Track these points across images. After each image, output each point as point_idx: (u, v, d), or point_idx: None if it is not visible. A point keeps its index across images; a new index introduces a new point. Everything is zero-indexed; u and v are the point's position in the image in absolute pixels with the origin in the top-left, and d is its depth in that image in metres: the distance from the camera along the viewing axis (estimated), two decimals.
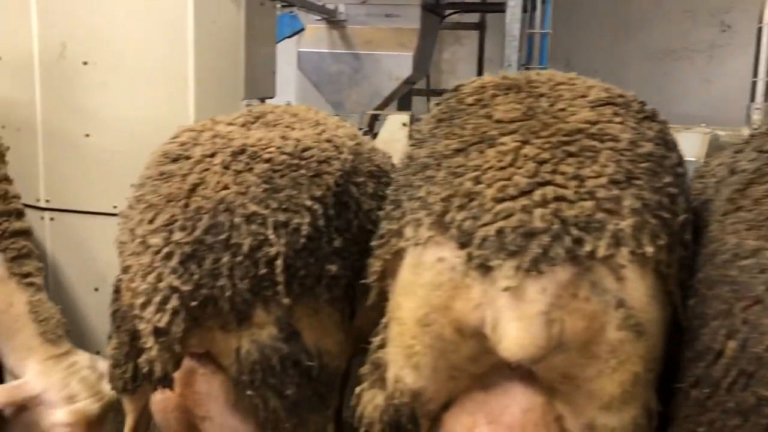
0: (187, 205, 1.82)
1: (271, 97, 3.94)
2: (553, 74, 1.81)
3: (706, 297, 1.54)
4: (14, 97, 3.43)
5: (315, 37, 5.03)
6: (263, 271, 1.81)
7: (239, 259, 1.79)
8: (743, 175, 1.59)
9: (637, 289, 1.49)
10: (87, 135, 3.32)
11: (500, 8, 4.74)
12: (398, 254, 1.73)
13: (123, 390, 2.12)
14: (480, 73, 5.95)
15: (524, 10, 4.49)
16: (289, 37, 5.49)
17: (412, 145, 1.80)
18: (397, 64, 4.78)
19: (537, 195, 1.45)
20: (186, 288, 1.76)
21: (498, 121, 1.61)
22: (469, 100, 1.73)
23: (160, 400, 2.04)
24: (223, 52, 3.38)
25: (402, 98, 6.12)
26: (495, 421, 1.66)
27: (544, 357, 1.44)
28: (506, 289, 1.42)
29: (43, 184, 3.41)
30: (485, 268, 1.47)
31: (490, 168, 1.52)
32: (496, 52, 5.60)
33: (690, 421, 1.57)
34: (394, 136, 2.71)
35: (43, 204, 3.22)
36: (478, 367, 1.64)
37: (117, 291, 2.03)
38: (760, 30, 3.37)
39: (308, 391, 1.97)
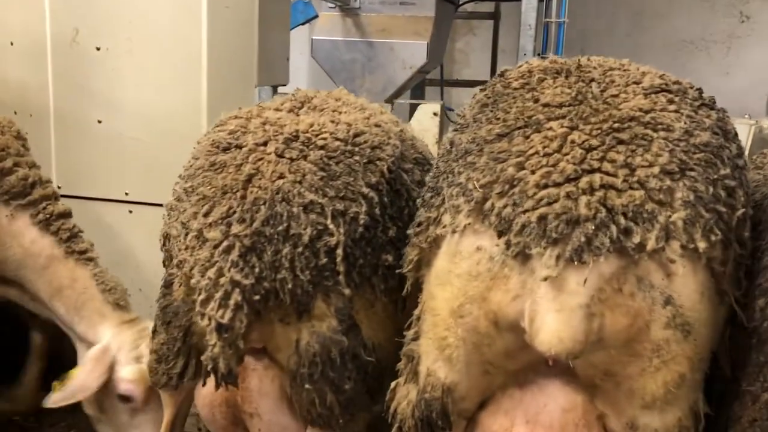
0: (244, 197, 1.91)
1: (284, 85, 4.07)
2: (605, 60, 1.88)
3: None
4: (27, 83, 3.60)
5: (329, 24, 5.18)
6: (323, 261, 1.90)
7: (300, 249, 1.88)
8: None
9: (686, 286, 1.54)
10: (99, 121, 3.48)
11: None
12: (435, 243, 1.80)
13: (166, 385, 2.21)
14: (494, 63, 6.07)
15: (540, 0, 4.59)
16: (302, 24, 5.63)
17: (454, 131, 1.87)
18: (411, 53, 4.91)
19: (583, 182, 1.50)
20: (248, 282, 1.84)
21: (545, 105, 1.68)
22: (515, 84, 1.79)
23: (207, 394, 2.13)
24: (237, 38, 3.51)
25: (415, 88, 6.23)
26: (533, 421, 1.71)
27: (582, 353, 1.49)
28: (546, 278, 1.47)
29: (55, 170, 3.56)
30: (524, 257, 1.53)
31: (534, 154, 1.59)
32: (509, 42, 5.73)
33: (758, 425, 1.59)
34: (424, 126, 2.79)
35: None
36: (514, 363, 1.70)
37: (167, 286, 2.13)
38: None
39: (363, 387, 2.05)
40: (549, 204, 1.50)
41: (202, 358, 1.88)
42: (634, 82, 1.72)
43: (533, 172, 1.56)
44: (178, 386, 2.21)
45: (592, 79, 1.74)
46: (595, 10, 5.99)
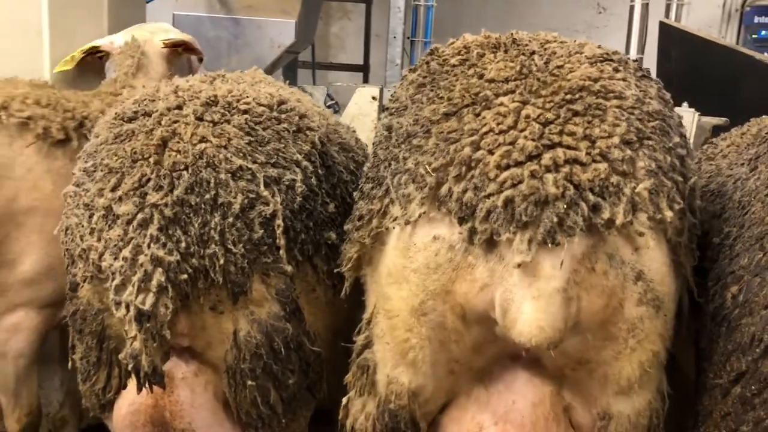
0: (158, 162, 1.62)
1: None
2: (539, 34, 1.75)
3: (753, 285, 1.46)
4: None
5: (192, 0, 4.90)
6: (259, 233, 1.65)
7: (230, 220, 1.62)
8: None
9: (654, 259, 1.43)
10: None
11: None
12: (379, 238, 1.61)
13: (101, 407, 1.87)
14: (367, 47, 5.98)
15: None
16: None
17: (390, 115, 1.68)
18: (279, 31, 4.64)
19: (546, 158, 1.36)
20: (172, 259, 1.56)
21: (491, 81, 1.52)
22: (453, 60, 1.63)
23: (127, 413, 1.80)
24: (83, 9, 3.19)
25: (287, 69, 6.03)
26: (503, 420, 1.56)
27: (562, 340, 1.35)
28: (519, 265, 1.32)
29: None
30: (491, 244, 1.37)
31: (489, 131, 1.42)
32: (383, 27, 5.70)
33: (730, 419, 1.49)
34: (363, 111, 2.59)
35: None
36: (480, 359, 1.54)
37: (73, 289, 1.79)
38: (632, 8, 3.59)
39: (305, 382, 1.82)
40: (514, 185, 1.35)
41: (121, 356, 1.59)
42: (576, 52, 1.60)
43: (491, 152, 1.40)
44: (110, 406, 1.86)
45: (533, 52, 1.60)
46: None
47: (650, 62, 3.23)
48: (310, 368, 1.86)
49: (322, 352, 1.87)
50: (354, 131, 2.29)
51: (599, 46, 1.66)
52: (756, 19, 5.03)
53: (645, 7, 3.60)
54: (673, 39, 2.42)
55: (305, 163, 1.82)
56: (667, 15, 4.15)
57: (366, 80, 6.19)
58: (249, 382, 1.72)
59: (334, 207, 1.92)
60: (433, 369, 1.53)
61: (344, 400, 1.75)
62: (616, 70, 1.55)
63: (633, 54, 3.57)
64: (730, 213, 1.61)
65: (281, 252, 1.70)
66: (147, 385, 1.61)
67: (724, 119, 3.00)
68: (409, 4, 4.56)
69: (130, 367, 1.57)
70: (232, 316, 1.70)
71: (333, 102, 3.52)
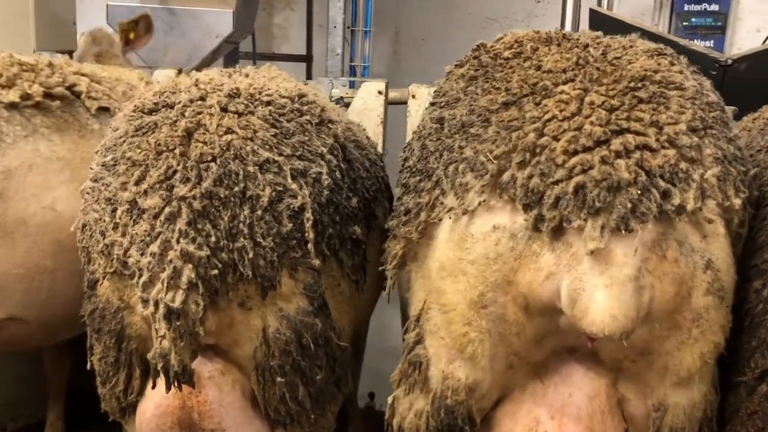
0: (185, 154, 1.52)
1: (72, 51, 3.63)
2: (584, 31, 1.69)
3: None
4: None
5: None
6: (288, 227, 1.55)
7: (259, 213, 1.52)
8: None
9: (721, 248, 1.36)
10: None
11: None
12: (426, 232, 1.53)
13: (122, 411, 1.75)
14: (309, 38, 5.90)
15: None
16: None
17: (440, 108, 1.60)
18: (217, 21, 4.49)
19: (616, 144, 1.29)
20: (201, 254, 1.45)
21: (549, 72, 1.45)
22: (507, 54, 1.56)
23: (153, 417, 1.67)
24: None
25: (228, 60, 5.83)
26: (559, 413, 1.47)
27: (634, 330, 1.27)
28: (592, 252, 1.24)
29: None
30: (558, 231, 1.29)
31: (552, 118, 1.35)
32: (325, 17, 5.62)
33: (758, 417, 1.43)
34: (368, 105, 2.49)
35: None
36: (540, 352, 1.45)
37: (92, 287, 1.67)
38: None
39: (331, 377, 1.72)
40: (584, 171, 1.28)
41: (149, 355, 1.47)
42: (630, 46, 1.54)
43: (556, 138, 1.32)
44: (131, 409, 1.74)
45: (587, 45, 1.54)
46: None
47: None
48: (337, 363, 1.76)
49: (348, 346, 1.77)
50: (364, 129, 2.20)
51: (647, 42, 1.61)
52: (686, 7, 5.02)
53: None
54: (604, 26, 2.37)
55: (329, 156, 1.73)
56: (599, 3, 4.13)
57: (309, 71, 5.98)
58: (278, 379, 1.63)
59: (357, 202, 1.83)
60: (491, 363, 1.44)
61: (390, 399, 1.65)
62: (672, 64, 1.50)
63: None
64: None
65: (310, 246, 1.61)
66: (176, 385, 1.49)
67: None
68: None
69: (159, 366, 1.46)
70: (260, 312, 1.60)
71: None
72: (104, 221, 1.56)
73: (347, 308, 1.86)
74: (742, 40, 4.59)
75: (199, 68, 3.57)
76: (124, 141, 1.62)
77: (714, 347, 1.41)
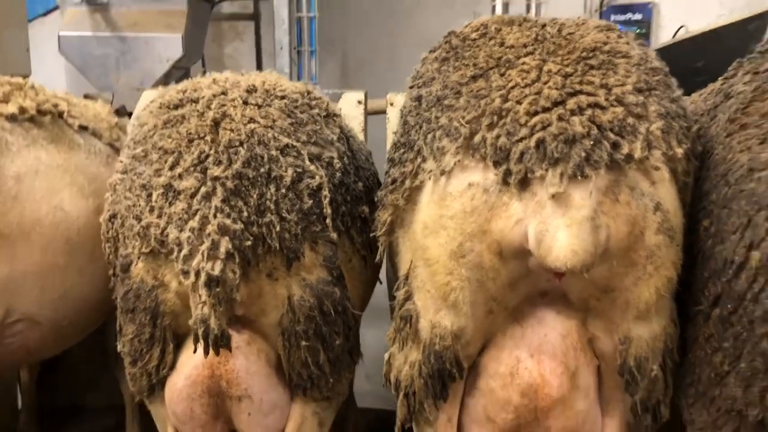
0: (215, 140, 1.68)
1: (27, 75, 3.76)
2: (544, 16, 1.86)
3: (722, 215, 1.57)
4: None
5: (76, 19, 4.79)
6: (308, 203, 1.72)
7: (283, 191, 1.69)
8: (741, 96, 1.66)
9: (668, 192, 1.52)
10: None
11: None
12: (411, 198, 1.69)
13: (150, 389, 1.88)
14: (259, 63, 5.99)
15: None
16: (43, 15, 5.22)
17: (418, 88, 1.76)
18: (166, 46, 4.67)
19: (571, 103, 1.45)
20: (237, 227, 1.61)
21: (511, 47, 1.62)
22: (474, 35, 1.73)
23: (184, 387, 1.82)
24: None
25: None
26: (537, 352, 1.62)
27: (593, 265, 1.42)
28: (553, 196, 1.40)
29: None
30: (524, 182, 1.45)
31: (515, 86, 1.52)
32: (272, 43, 5.80)
33: (713, 339, 1.59)
34: (350, 114, 2.66)
35: None
36: (515, 296, 1.60)
37: (125, 270, 1.82)
38: (493, 8, 3.66)
39: (346, 344, 1.87)
40: (544, 128, 1.44)
41: (191, 322, 1.61)
42: (582, 24, 1.71)
43: (519, 102, 1.49)
44: (164, 387, 1.88)
45: (544, 24, 1.71)
46: (353, 8, 5.98)
47: None
48: (351, 332, 1.92)
49: (361, 315, 1.92)
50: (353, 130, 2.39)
51: (599, 20, 1.78)
52: (613, 18, 5.19)
53: (505, 6, 3.64)
54: None
55: (338, 143, 1.91)
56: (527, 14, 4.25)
57: None
58: (303, 343, 1.78)
59: (362, 185, 2.00)
60: (473, 309, 1.59)
61: (386, 356, 1.80)
62: (620, 37, 1.67)
63: None
64: (701, 159, 1.71)
65: (328, 221, 1.78)
66: (214, 349, 1.62)
67: None
68: (293, 16, 4.59)
69: (200, 331, 1.60)
70: (285, 282, 1.75)
71: None
72: (139, 206, 1.72)
73: (357, 283, 2.03)
74: None
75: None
76: (153, 134, 1.78)
77: (667, 281, 1.56)
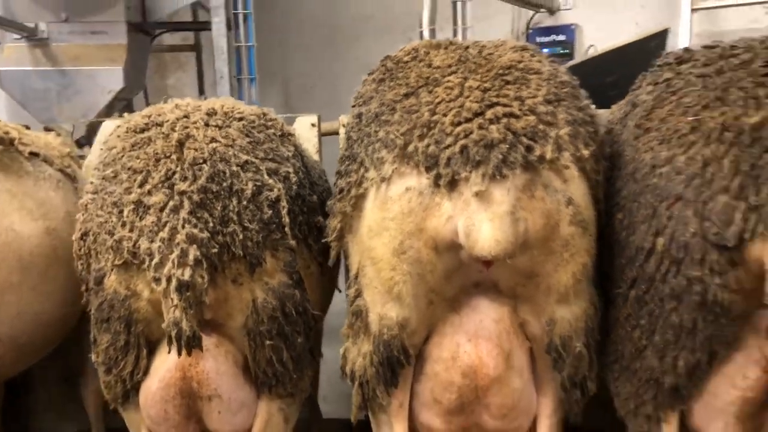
0: (180, 159, 1.85)
1: None
2: (467, 39, 2.08)
3: (632, 208, 1.80)
4: None
5: (16, 55, 4.93)
6: (268, 213, 1.89)
7: (244, 203, 1.85)
8: (645, 105, 1.89)
9: (578, 188, 1.74)
10: None
11: (208, 26, 4.93)
12: (357, 205, 1.87)
13: (125, 395, 2.00)
14: (201, 92, 6.09)
15: (229, 27, 4.76)
16: None
17: (359, 106, 1.96)
18: (108, 78, 4.83)
19: (489, 114, 1.66)
20: (204, 236, 1.77)
21: (437, 67, 1.83)
22: (406, 58, 1.93)
23: (158, 390, 1.95)
24: None
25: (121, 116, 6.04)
26: (475, 336, 1.81)
27: (515, 253, 1.62)
28: (477, 193, 1.60)
29: None
30: (452, 184, 1.65)
31: (441, 101, 1.72)
32: (214, 74, 5.78)
33: (632, 318, 1.80)
34: (304, 135, 2.84)
35: None
36: (451, 287, 1.79)
37: (98, 283, 1.95)
38: (421, 33, 3.83)
39: (307, 344, 2.02)
40: (466, 136, 1.64)
41: (164, 325, 1.76)
42: (501, 45, 1.92)
43: (445, 115, 1.69)
44: (138, 392, 2.00)
45: (467, 47, 1.92)
46: (294, 37, 6.22)
47: None
48: (311, 332, 2.08)
49: (321, 315, 2.08)
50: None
51: (515, 42, 2.01)
52: (538, 39, 5.51)
53: (432, 32, 3.81)
54: None
55: (293, 160, 2.10)
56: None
57: None
58: (267, 342, 1.93)
59: (316, 198, 2.19)
60: (415, 301, 1.77)
61: (341, 350, 1.97)
62: (533, 56, 1.89)
63: None
64: (612, 160, 1.93)
65: (287, 229, 1.95)
66: (187, 350, 1.77)
67: None
68: (232, 45, 4.73)
69: (173, 333, 1.75)
70: (249, 287, 1.92)
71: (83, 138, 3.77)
72: (111, 222, 1.87)
73: (316, 287, 2.19)
74: None
75: (92, 124, 3.87)
76: (122, 155, 1.94)
77: (583, 267, 1.77)
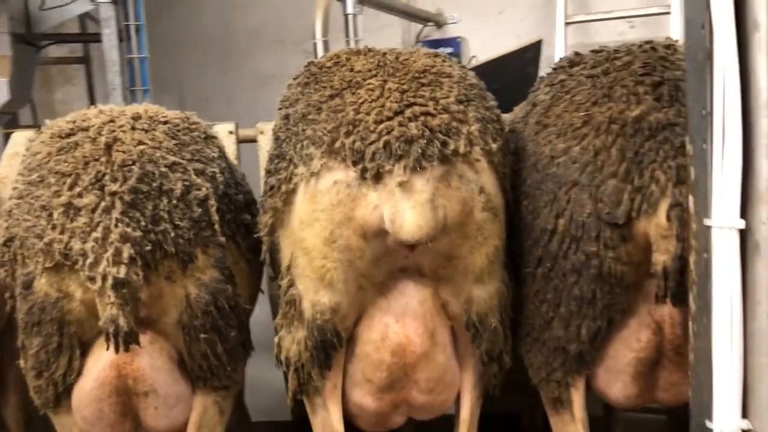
0: (109, 161, 1.89)
1: None
2: (380, 50, 2.24)
3: (536, 195, 2.00)
4: None
5: None
6: (198, 212, 1.96)
7: (174, 202, 1.91)
8: (543, 104, 2.10)
9: (489, 179, 1.92)
10: None
11: (98, 38, 4.83)
12: (287, 200, 1.97)
13: (56, 399, 2.01)
14: (92, 103, 5.92)
15: (121, 39, 4.69)
16: None
17: (285, 108, 2.07)
18: None
19: (408, 113, 1.82)
20: (137, 234, 1.81)
21: (359, 71, 1.97)
22: (328, 63, 2.06)
23: (92, 389, 1.97)
24: None
25: (7, 129, 5.45)
26: (402, 317, 1.94)
27: (435, 236, 1.77)
28: (400, 184, 1.75)
29: None
30: (377, 176, 1.79)
31: (364, 102, 1.86)
32: (104, 87, 5.55)
33: (540, 293, 2.00)
34: (223, 143, 2.89)
35: None
36: (379, 272, 1.92)
37: (27, 287, 1.95)
38: (314, 45, 3.92)
39: (239, 337, 2.10)
40: (388, 133, 1.79)
41: (101, 323, 1.80)
42: (415, 52, 2.09)
43: (368, 114, 1.83)
44: (70, 394, 2.02)
45: (384, 53, 2.08)
46: (189, 49, 6.19)
47: None
48: (243, 325, 2.16)
49: (252, 309, 2.17)
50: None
51: (428, 50, 2.19)
52: None
53: (325, 44, 3.91)
54: None
55: (218, 161, 2.18)
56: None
57: None
58: (202, 336, 2.00)
59: (242, 198, 2.27)
60: (346, 286, 1.89)
61: (276, 339, 2.06)
62: (444, 61, 2.07)
63: None
64: (519, 155, 2.14)
65: (216, 226, 2.03)
66: (124, 346, 1.81)
67: None
68: (124, 57, 4.67)
69: (110, 330, 1.79)
70: (182, 283, 1.98)
71: None
72: (40, 226, 1.89)
73: (245, 283, 2.27)
74: None
75: None
76: (48, 160, 1.96)
77: (495, 249, 1.95)
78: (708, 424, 1.46)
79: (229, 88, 6.02)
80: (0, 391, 2.98)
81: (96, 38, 4.90)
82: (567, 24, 4.53)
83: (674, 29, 4.16)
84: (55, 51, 5.90)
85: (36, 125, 5.45)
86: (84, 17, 5.45)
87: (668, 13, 4.29)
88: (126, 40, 4.67)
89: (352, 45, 4.11)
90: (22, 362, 2.07)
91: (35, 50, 5.35)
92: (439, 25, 5.39)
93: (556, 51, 4.39)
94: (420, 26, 5.37)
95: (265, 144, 3.04)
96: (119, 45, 4.59)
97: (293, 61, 6.23)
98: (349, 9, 4.13)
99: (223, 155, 2.25)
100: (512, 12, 5.12)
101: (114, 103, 4.57)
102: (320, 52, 3.74)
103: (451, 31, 5.39)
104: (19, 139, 3.48)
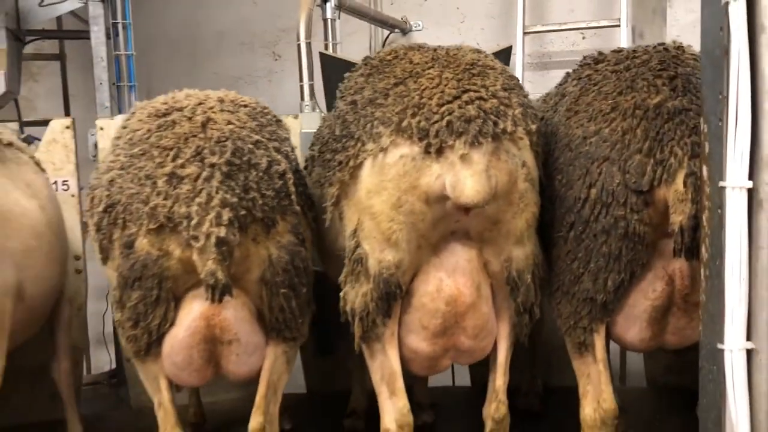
0: (206, 137, 2.17)
1: None
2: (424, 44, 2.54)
3: (569, 170, 2.32)
4: None
5: None
6: (278, 183, 2.24)
7: (261, 174, 2.20)
8: (572, 94, 2.42)
9: (529, 155, 2.24)
10: None
11: (82, 35, 4.97)
12: (354, 174, 2.27)
13: (148, 347, 2.26)
14: (66, 105, 5.94)
15: (107, 36, 4.80)
16: None
17: (350, 95, 2.36)
18: None
19: (465, 97, 2.13)
20: (234, 200, 2.10)
21: (418, 63, 2.28)
22: (388, 57, 2.37)
23: (184, 337, 2.24)
24: None
25: None
26: (452, 273, 2.25)
27: (490, 201, 2.09)
28: (461, 156, 2.07)
29: None
30: (440, 151, 2.10)
31: (426, 88, 2.17)
32: (75, 85, 5.76)
33: (571, 253, 2.32)
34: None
35: None
36: (435, 234, 2.23)
37: (129, 246, 2.20)
38: (299, 47, 4.05)
39: (308, 294, 2.40)
40: (450, 113, 2.10)
41: (202, 275, 2.06)
42: (461, 48, 2.40)
43: (431, 99, 2.14)
44: (161, 343, 2.27)
45: (435, 49, 2.39)
46: (157, 48, 6.16)
47: (319, 87, 3.58)
48: (311, 284, 2.45)
49: (317, 271, 2.46)
50: None
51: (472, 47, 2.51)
52: None
53: (308, 45, 4.01)
54: (333, 67, 3.05)
55: (288, 141, 2.48)
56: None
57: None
58: (281, 291, 2.29)
59: (308, 177, 2.57)
60: (408, 245, 2.19)
61: (341, 294, 2.33)
62: (486, 56, 2.39)
63: (306, 80, 3.95)
64: (550, 138, 2.45)
65: (293, 197, 2.32)
66: (220, 296, 2.09)
67: None
68: (111, 53, 4.78)
69: (210, 282, 2.06)
70: (265, 245, 2.26)
71: None
72: (145, 193, 2.15)
73: (311, 249, 2.54)
74: None
75: None
76: (149, 136, 2.23)
77: (532, 216, 2.27)
78: (719, 345, 1.79)
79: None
80: (53, 358, 3.22)
81: (80, 35, 5.03)
82: (525, 34, 4.82)
83: (623, 40, 4.45)
84: (27, 47, 5.69)
85: (19, 116, 5.47)
86: (62, 16, 5.45)
87: (618, 26, 4.54)
88: (114, 36, 4.79)
89: (331, 48, 4.34)
90: (117, 315, 2.33)
91: (21, 45, 5.36)
92: (405, 31, 5.56)
93: (517, 58, 4.64)
94: (387, 32, 5.51)
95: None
96: (107, 42, 4.74)
97: (260, 63, 6.22)
98: (328, 14, 4.38)
99: (289, 137, 2.55)
100: (474, 21, 5.33)
101: (101, 98, 4.70)
102: (304, 53, 3.95)
103: (415, 38, 5.51)
104: (57, 126, 3.74)
